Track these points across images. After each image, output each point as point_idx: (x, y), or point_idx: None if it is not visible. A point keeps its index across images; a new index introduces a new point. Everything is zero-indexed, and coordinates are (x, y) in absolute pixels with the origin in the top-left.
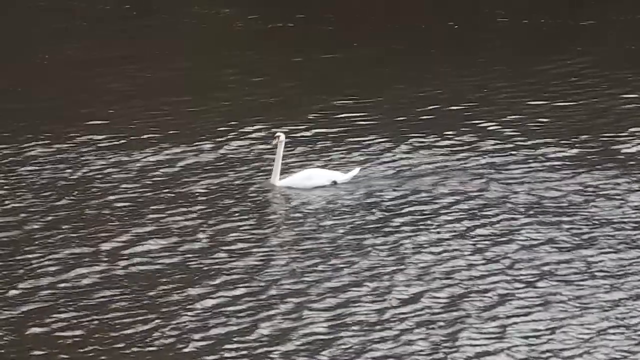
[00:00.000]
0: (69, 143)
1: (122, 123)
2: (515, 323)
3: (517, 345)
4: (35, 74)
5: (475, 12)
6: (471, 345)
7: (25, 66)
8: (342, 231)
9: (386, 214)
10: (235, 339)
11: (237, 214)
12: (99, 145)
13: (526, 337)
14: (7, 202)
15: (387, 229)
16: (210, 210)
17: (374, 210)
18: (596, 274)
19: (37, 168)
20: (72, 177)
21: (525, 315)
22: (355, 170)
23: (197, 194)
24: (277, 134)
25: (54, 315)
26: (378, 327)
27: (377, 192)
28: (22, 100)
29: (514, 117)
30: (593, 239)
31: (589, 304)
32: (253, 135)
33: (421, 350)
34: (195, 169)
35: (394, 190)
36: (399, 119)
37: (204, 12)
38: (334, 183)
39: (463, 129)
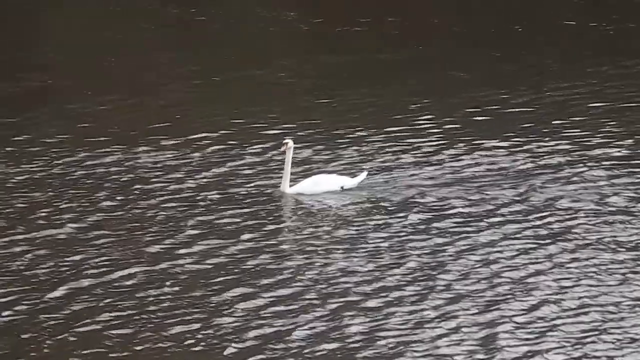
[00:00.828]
0: (125, 145)
1: (179, 126)
2: (558, 325)
3: (560, 347)
4: (102, 75)
5: (541, 15)
6: (511, 346)
7: (94, 68)
8: (371, 236)
9: (401, 217)
10: (274, 341)
11: (250, 222)
12: (154, 147)
13: (570, 339)
14: (57, 202)
15: (405, 232)
16: (221, 219)
17: (390, 214)
18: None
19: (89, 170)
20: (122, 179)
21: (570, 317)
22: (363, 175)
23: (213, 200)
24: (285, 140)
25: (99, 316)
26: (416, 329)
27: (386, 195)
28: (81, 100)
29: (560, 121)
30: None
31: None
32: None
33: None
34: (222, 174)
35: (404, 194)
36: (454, 120)
37: (269, 15)
38: (342, 188)
39: (493, 132)
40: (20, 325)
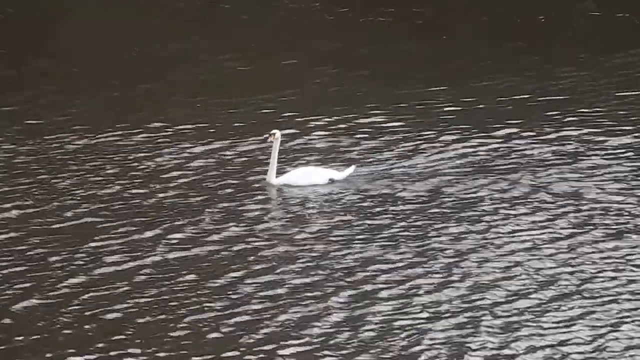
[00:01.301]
0: (146, 134)
1: (198, 116)
2: (580, 315)
3: (579, 343)
4: (125, 66)
5: (566, 6)
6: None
7: (117, 59)
8: (348, 228)
9: (389, 210)
10: (289, 337)
11: (238, 213)
12: (173, 136)
13: (596, 328)
14: (77, 191)
15: (388, 225)
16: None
17: (376, 207)
18: None
19: (111, 157)
20: (140, 167)
21: (594, 306)
22: (351, 168)
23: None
24: (273, 131)
25: (115, 305)
26: (422, 319)
27: (374, 189)
28: (108, 90)
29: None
30: None
31: None
32: (313, 124)
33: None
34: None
35: (394, 187)
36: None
37: (293, 5)
38: (331, 181)
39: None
40: (37, 313)
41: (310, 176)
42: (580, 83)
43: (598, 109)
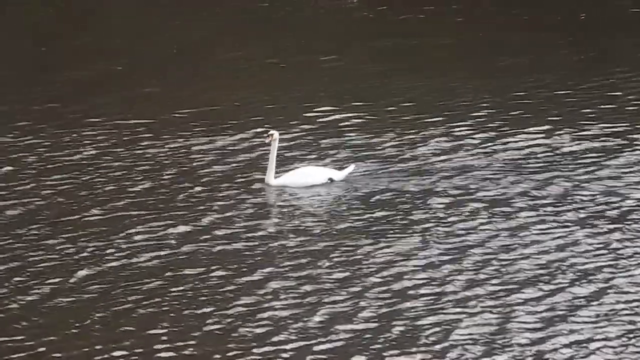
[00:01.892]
0: (171, 128)
1: (232, 111)
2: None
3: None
4: (166, 61)
5: (608, 3)
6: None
7: (160, 56)
8: (346, 229)
9: (386, 210)
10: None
11: (233, 215)
12: (198, 129)
13: (619, 331)
14: (97, 185)
15: (389, 226)
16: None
17: (375, 206)
18: None
19: (136, 150)
20: (165, 161)
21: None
22: (351, 167)
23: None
24: (271, 132)
25: (122, 298)
26: (430, 315)
27: (375, 188)
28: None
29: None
30: None
31: None
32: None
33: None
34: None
35: (394, 186)
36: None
37: (331, 2)
38: (331, 180)
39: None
40: (66, 308)
41: (308, 176)
42: (623, 80)
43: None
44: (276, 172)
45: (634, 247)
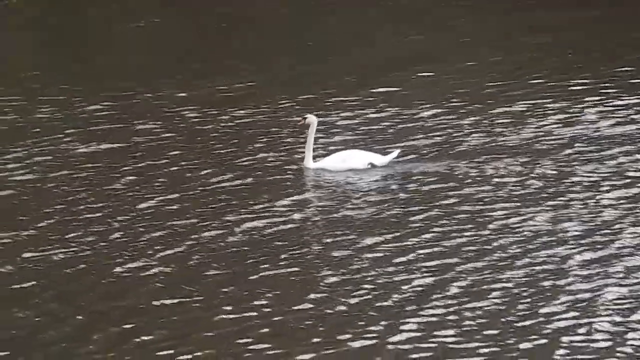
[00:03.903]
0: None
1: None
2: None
3: None
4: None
5: None
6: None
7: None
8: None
9: (425, 199)
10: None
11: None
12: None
13: None
14: (144, 181)
15: (425, 215)
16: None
17: (415, 194)
18: None
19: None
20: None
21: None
22: (395, 153)
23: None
24: (306, 115)
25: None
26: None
27: (417, 175)
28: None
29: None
30: None
31: None
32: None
33: None
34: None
35: (437, 173)
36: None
37: None
38: (372, 165)
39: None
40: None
41: (347, 160)
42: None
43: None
44: (323, 155)
45: None
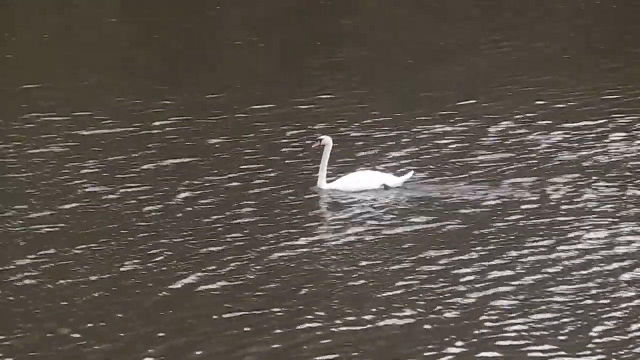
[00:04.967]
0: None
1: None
2: None
3: None
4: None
5: None
6: None
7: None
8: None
9: (438, 219)
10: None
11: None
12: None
13: None
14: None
15: (430, 236)
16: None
17: (426, 215)
18: None
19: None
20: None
21: None
22: (409, 174)
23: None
24: (320, 137)
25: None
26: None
27: (432, 197)
28: None
29: None
30: None
31: None
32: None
33: None
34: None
35: (449, 196)
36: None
37: None
38: (385, 187)
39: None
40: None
41: (361, 181)
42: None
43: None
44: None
45: None
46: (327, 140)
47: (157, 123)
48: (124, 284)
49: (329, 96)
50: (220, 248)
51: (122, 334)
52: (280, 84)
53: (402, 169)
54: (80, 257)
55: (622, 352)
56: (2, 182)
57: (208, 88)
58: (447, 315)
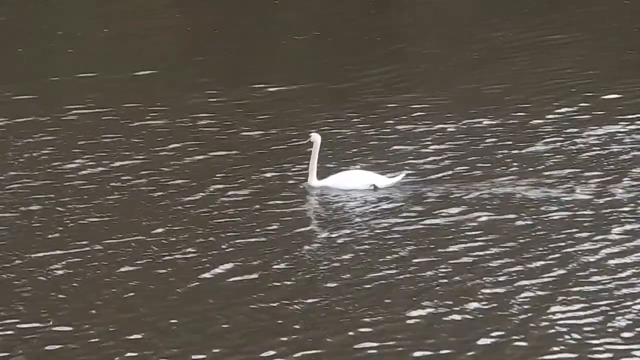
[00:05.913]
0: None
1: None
2: None
3: None
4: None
5: None
6: None
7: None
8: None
9: (428, 223)
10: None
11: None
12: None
13: None
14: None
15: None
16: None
17: (413, 216)
18: None
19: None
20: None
21: None
22: (401, 176)
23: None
24: (310, 133)
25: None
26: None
27: (423, 199)
28: None
29: None
30: None
31: None
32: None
33: None
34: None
35: (442, 198)
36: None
37: None
38: (375, 187)
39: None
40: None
41: (350, 180)
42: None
43: None
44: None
45: None
46: (316, 137)
47: (207, 116)
48: (154, 275)
49: (385, 97)
50: (250, 240)
51: (151, 323)
52: (338, 80)
53: (393, 170)
54: (113, 248)
55: None
56: (48, 172)
57: (263, 81)
58: (470, 307)
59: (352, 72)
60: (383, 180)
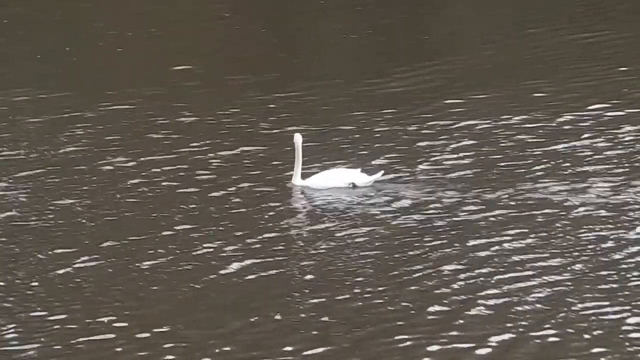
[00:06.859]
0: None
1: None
2: None
3: None
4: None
5: None
6: None
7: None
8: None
9: (406, 220)
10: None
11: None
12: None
13: None
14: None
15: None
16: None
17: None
18: None
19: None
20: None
21: None
22: (379, 174)
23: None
24: (295, 135)
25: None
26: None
27: (400, 197)
28: None
29: None
30: None
31: None
32: None
33: None
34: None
35: (418, 196)
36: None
37: None
38: (353, 185)
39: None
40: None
41: (329, 179)
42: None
43: None
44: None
45: None
46: (297, 138)
47: (246, 114)
48: (180, 269)
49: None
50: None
51: (173, 315)
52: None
53: (372, 168)
54: (140, 243)
55: None
56: (82, 169)
57: (308, 79)
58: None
59: (386, 73)
60: (362, 178)
